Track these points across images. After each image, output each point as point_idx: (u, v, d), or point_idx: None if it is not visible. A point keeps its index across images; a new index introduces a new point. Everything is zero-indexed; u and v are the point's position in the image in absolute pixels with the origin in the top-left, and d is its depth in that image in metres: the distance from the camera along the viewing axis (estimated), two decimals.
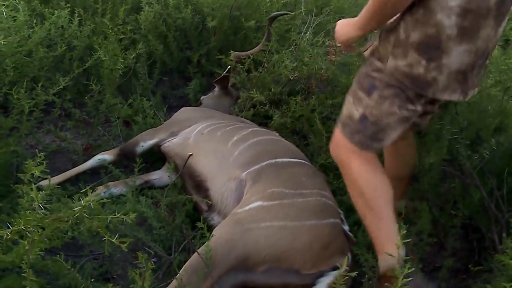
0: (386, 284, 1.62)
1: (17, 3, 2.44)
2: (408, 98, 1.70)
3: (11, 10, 2.45)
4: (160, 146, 2.58)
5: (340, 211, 2.01)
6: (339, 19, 1.87)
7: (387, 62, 1.69)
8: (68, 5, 2.98)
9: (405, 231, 1.45)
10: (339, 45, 1.85)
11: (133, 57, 2.84)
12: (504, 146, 2.16)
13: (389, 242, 1.65)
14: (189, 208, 2.20)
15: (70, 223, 1.21)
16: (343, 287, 1.42)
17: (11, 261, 1.24)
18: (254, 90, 2.76)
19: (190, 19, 3.36)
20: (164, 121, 2.87)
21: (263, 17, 3.47)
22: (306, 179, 2.01)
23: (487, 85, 2.40)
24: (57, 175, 2.45)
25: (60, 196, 2.11)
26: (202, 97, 3.17)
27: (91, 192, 2.29)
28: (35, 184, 1.26)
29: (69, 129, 2.86)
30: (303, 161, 2.19)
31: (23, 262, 1.16)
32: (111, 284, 1.50)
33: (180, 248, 1.97)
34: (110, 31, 2.81)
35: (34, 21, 2.63)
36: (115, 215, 1.39)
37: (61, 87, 2.38)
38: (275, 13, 3.06)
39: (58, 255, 1.57)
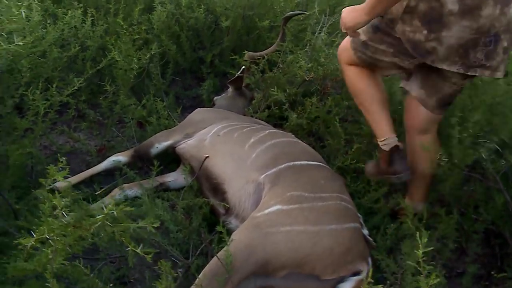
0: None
1: (33, 1, 2.42)
2: (400, 51, 1.95)
3: (25, 10, 2.43)
4: (175, 147, 2.55)
5: (359, 215, 1.98)
6: None
7: (396, 26, 1.90)
8: (81, 5, 2.96)
9: (426, 239, 1.41)
10: (345, 31, 1.98)
11: (148, 57, 2.81)
12: None
13: (381, 131, 2.14)
14: (206, 211, 2.17)
15: (92, 231, 1.18)
16: None
17: (33, 269, 1.21)
18: (275, 87, 2.73)
19: (203, 19, 3.34)
20: (178, 122, 2.85)
21: (277, 17, 3.44)
22: (325, 182, 1.98)
23: None
24: (71, 176, 2.41)
25: (77, 199, 2.08)
26: (215, 98, 3.14)
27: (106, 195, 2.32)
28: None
29: (82, 130, 2.84)
30: (322, 164, 2.16)
31: (46, 271, 1.13)
32: None
33: (198, 252, 1.94)
34: (124, 31, 2.79)
35: (48, 21, 2.61)
36: (135, 221, 1.37)
37: (75, 88, 2.36)
38: (290, 12, 3.03)
39: (76, 260, 1.55)
